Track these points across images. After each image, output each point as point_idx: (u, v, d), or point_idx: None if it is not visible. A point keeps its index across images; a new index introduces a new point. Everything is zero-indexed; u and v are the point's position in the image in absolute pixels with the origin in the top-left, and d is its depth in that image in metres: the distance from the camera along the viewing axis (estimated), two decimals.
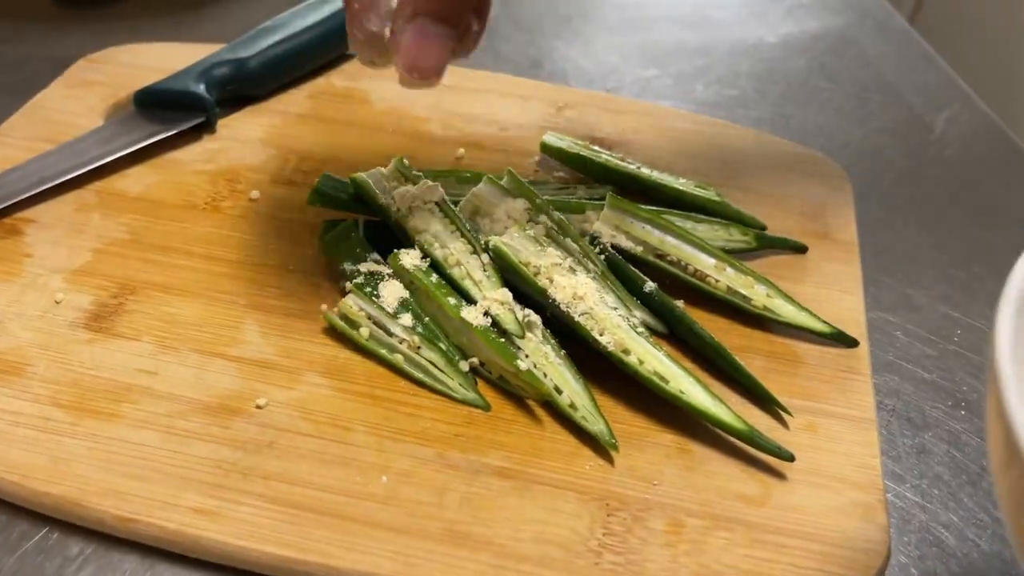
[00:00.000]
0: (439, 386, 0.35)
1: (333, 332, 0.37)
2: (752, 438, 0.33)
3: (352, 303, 0.36)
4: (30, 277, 0.38)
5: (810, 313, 0.38)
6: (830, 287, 0.41)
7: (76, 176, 0.43)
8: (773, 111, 0.57)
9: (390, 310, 0.36)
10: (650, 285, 0.38)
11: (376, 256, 0.39)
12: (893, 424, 0.36)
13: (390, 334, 0.36)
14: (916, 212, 0.48)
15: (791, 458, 0.32)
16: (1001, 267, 0.44)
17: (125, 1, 0.64)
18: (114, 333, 0.36)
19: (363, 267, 0.38)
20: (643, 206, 0.40)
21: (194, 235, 0.41)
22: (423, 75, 0.34)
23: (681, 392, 0.34)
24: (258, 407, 0.34)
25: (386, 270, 0.38)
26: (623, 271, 0.39)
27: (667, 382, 0.34)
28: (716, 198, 0.43)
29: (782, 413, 0.35)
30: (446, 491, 0.31)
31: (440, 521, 0.30)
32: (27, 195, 0.42)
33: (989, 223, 0.48)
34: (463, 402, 0.34)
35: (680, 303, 0.38)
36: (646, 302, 0.38)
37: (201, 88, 0.48)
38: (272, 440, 0.33)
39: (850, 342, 0.38)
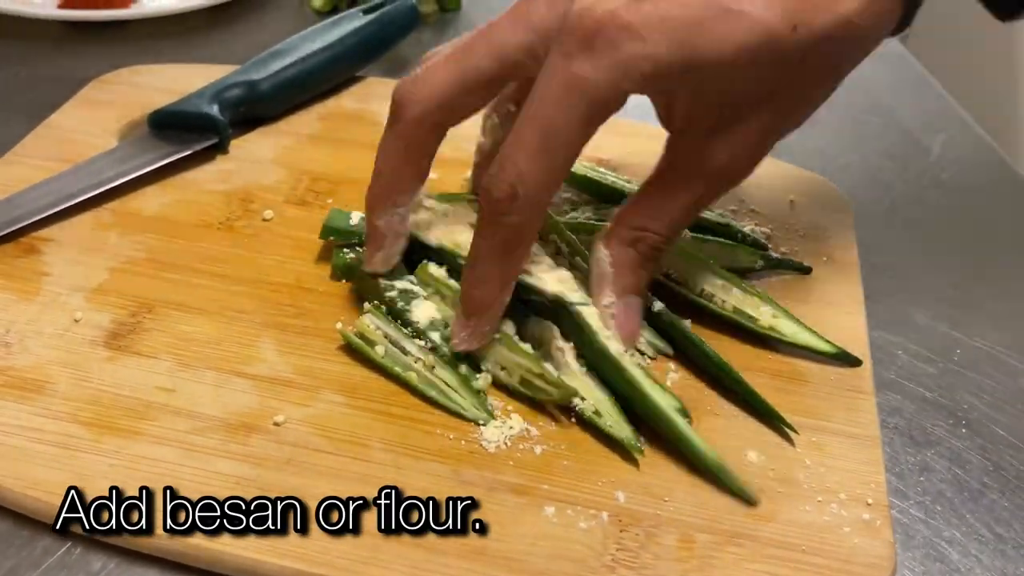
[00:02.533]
0: (451, 404, 0.35)
1: (349, 349, 0.37)
2: (720, 473, 0.33)
3: (369, 322, 0.37)
4: (49, 296, 0.39)
5: (814, 333, 0.39)
6: (833, 307, 0.41)
7: (92, 196, 0.44)
8: None
9: (421, 325, 0.37)
10: (658, 305, 0.39)
11: (411, 277, 0.39)
12: (896, 442, 0.37)
13: (405, 352, 0.36)
14: (915, 234, 0.49)
15: (754, 501, 0.32)
16: (999, 287, 0.45)
17: (135, 23, 0.65)
18: (132, 351, 0.37)
19: (398, 284, 0.39)
20: None
21: (209, 254, 0.42)
22: (632, 342, 0.37)
23: (671, 421, 0.34)
24: (276, 424, 0.34)
25: (421, 292, 0.38)
26: None
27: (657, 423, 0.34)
28: (721, 219, 0.44)
29: (788, 431, 0.35)
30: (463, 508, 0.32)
31: (455, 536, 0.31)
32: (44, 215, 0.43)
33: (986, 244, 0.49)
34: (473, 420, 0.35)
35: (688, 322, 0.39)
36: (653, 322, 0.39)
37: (214, 109, 0.49)
38: (290, 457, 0.33)
39: (853, 362, 0.39)
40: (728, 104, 0.34)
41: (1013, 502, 0.35)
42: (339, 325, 0.38)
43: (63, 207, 0.43)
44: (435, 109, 0.35)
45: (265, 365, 0.37)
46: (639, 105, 0.59)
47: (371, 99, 0.54)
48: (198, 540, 0.30)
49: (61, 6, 0.64)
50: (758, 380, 0.38)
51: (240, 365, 0.37)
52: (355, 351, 0.37)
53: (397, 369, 0.36)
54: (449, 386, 0.36)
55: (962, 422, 0.38)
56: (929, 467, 0.36)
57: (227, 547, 0.30)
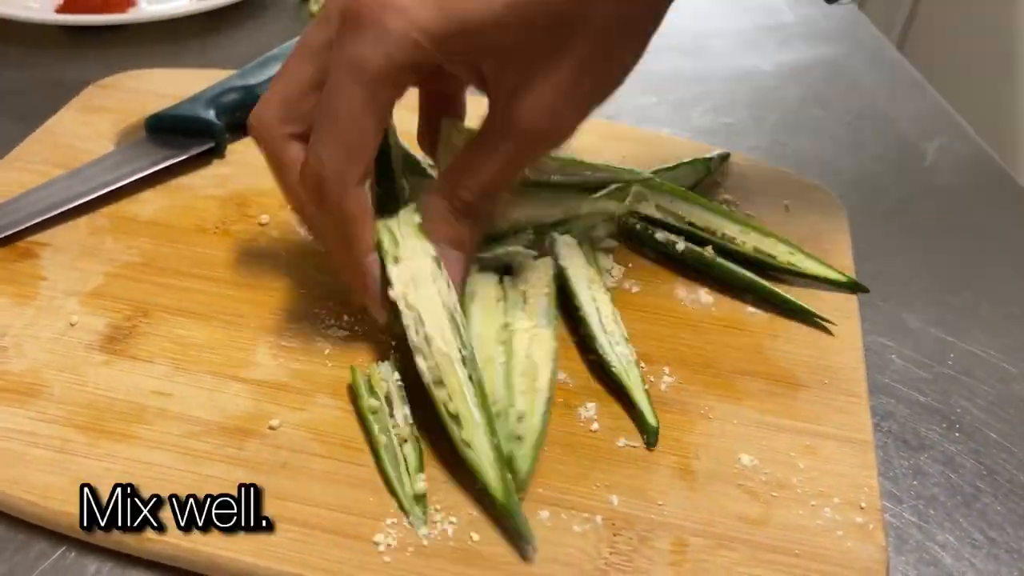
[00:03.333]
0: (396, 487, 0.32)
1: (344, 355, 0.37)
2: (506, 510, 0.31)
3: (384, 371, 0.36)
4: (45, 300, 0.39)
5: (827, 266, 0.43)
6: (828, 312, 0.42)
7: (89, 200, 0.44)
8: (769, 139, 0.58)
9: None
10: (681, 244, 0.43)
11: None
12: (890, 446, 0.37)
13: (391, 415, 0.35)
14: (909, 238, 0.49)
15: (529, 546, 0.31)
16: (992, 292, 0.46)
17: (132, 28, 0.65)
18: (128, 355, 0.37)
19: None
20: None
21: (205, 259, 0.42)
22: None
23: (468, 445, 0.32)
24: (271, 428, 0.34)
25: None
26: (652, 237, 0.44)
27: (461, 428, 0.33)
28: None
29: (824, 323, 0.41)
30: (457, 511, 0.32)
31: (452, 540, 0.31)
32: (41, 219, 0.43)
33: (980, 249, 0.49)
34: (404, 509, 0.32)
35: (709, 249, 0.43)
36: (680, 259, 0.43)
37: (211, 114, 0.49)
38: (285, 461, 0.33)
39: (863, 289, 0.43)
40: (522, 61, 0.34)
41: (1006, 506, 0.35)
42: (356, 364, 0.37)
43: (59, 211, 0.43)
44: (278, 122, 0.36)
45: (260, 369, 0.37)
46: (633, 110, 0.60)
47: None
48: (192, 544, 0.30)
49: (59, 10, 0.65)
50: (753, 384, 0.38)
51: (235, 369, 0.37)
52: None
53: (374, 426, 0.34)
54: (407, 468, 0.33)
55: (955, 426, 0.38)
56: (922, 471, 0.36)
57: (223, 550, 0.30)
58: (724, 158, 0.50)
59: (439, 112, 0.42)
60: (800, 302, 0.41)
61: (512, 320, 0.38)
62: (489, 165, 0.37)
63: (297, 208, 0.38)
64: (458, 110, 0.43)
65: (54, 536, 0.31)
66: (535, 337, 0.37)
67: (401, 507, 0.32)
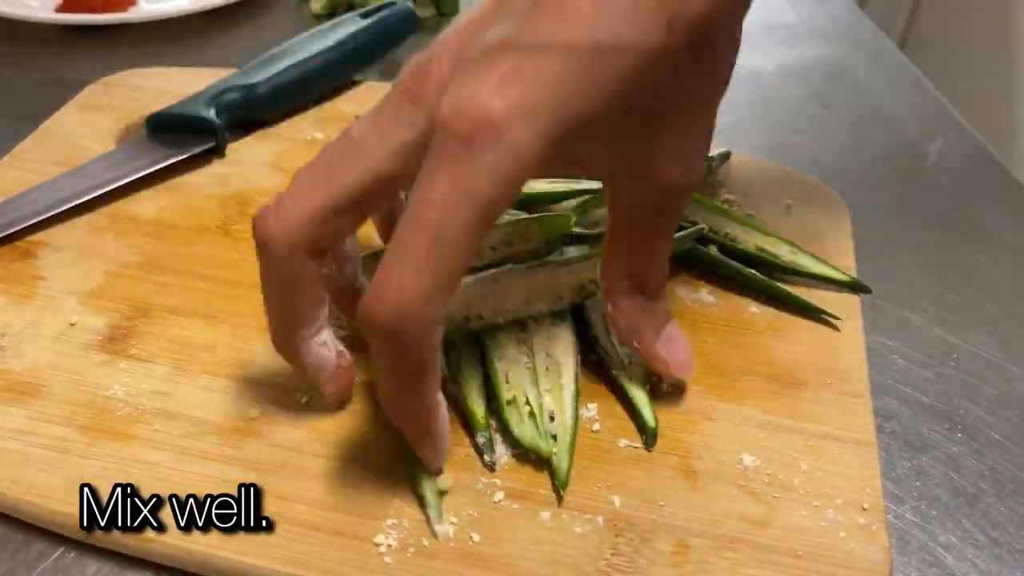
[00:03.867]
0: (420, 479, 0.32)
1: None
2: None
3: None
4: (45, 299, 0.39)
5: (830, 266, 0.43)
6: (829, 311, 0.41)
7: (89, 199, 0.44)
8: (770, 138, 0.58)
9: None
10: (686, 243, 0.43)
11: None
12: (892, 446, 0.37)
13: None
14: (912, 238, 0.49)
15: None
16: (995, 291, 0.45)
17: (132, 26, 0.65)
18: (128, 355, 0.37)
19: None
20: None
21: (205, 258, 0.42)
22: (691, 372, 0.37)
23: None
24: (270, 428, 0.34)
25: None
26: None
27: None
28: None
29: (831, 319, 0.41)
30: (458, 513, 0.32)
31: (453, 541, 0.31)
32: (41, 218, 0.43)
33: (983, 248, 0.49)
34: (424, 506, 0.32)
35: (712, 248, 0.43)
36: (684, 258, 0.43)
37: (211, 113, 0.49)
38: (284, 461, 0.33)
39: (865, 289, 0.43)
40: (643, 123, 0.31)
41: (1009, 507, 0.35)
42: None
43: (59, 211, 0.43)
44: (304, 242, 0.30)
45: (260, 369, 0.37)
46: None
47: (368, 103, 0.54)
48: (191, 544, 0.30)
49: (59, 9, 0.65)
50: (755, 384, 0.38)
51: (235, 369, 0.37)
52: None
53: None
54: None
55: (958, 427, 0.38)
56: (925, 472, 0.36)
57: (222, 551, 0.30)
58: (724, 157, 0.50)
59: None
60: (807, 299, 0.41)
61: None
62: (660, 236, 0.34)
63: (284, 339, 0.33)
64: None
65: (53, 536, 0.31)
66: (553, 335, 0.37)
67: (421, 504, 0.32)
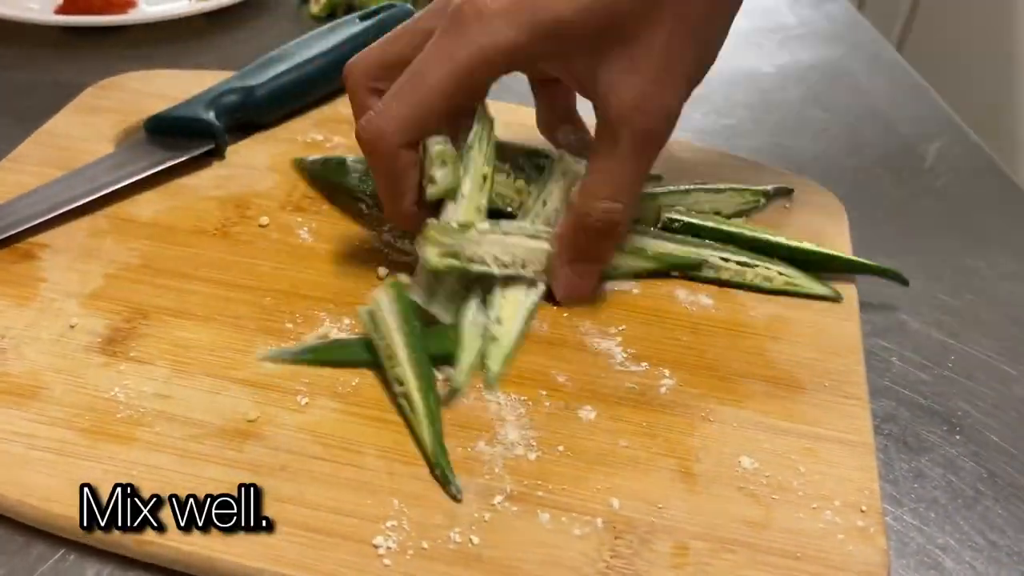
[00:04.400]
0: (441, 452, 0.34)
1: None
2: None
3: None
4: (45, 301, 0.39)
5: (814, 279, 0.43)
6: (827, 314, 0.42)
7: (88, 202, 0.44)
8: (769, 140, 0.58)
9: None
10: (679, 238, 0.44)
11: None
12: (890, 448, 0.37)
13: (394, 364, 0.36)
14: (910, 240, 0.49)
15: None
16: (993, 294, 0.46)
17: (132, 29, 0.65)
18: (128, 357, 0.37)
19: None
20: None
21: (205, 260, 0.42)
22: (579, 302, 0.41)
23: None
24: (270, 431, 0.34)
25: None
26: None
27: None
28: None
29: (833, 292, 0.42)
30: (456, 514, 0.32)
31: (451, 543, 0.31)
32: (40, 220, 0.43)
33: (980, 251, 0.49)
34: (447, 477, 0.33)
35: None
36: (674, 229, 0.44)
37: (211, 115, 0.49)
38: (285, 463, 0.33)
39: (837, 298, 0.43)
40: (610, 54, 0.37)
41: (1007, 509, 0.35)
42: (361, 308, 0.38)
43: (59, 213, 0.43)
44: (365, 74, 0.40)
45: (260, 371, 0.37)
46: None
47: None
48: (192, 547, 0.30)
49: (58, 11, 0.65)
50: (753, 387, 0.38)
51: (235, 371, 0.37)
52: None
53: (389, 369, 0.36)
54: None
55: (956, 429, 0.38)
56: (923, 474, 0.36)
57: (223, 553, 0.30)
58: (785, 192, 0.48)
59: (554, 109, 0.47)
60: (813, 249, 0.43)
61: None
62: (612, 170, 0.38)
63: (398, 218, 0.41)
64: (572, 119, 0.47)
65: (53, 539, 0.31)
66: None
67: (444, 475, 0.33)
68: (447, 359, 0.37)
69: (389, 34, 0.41)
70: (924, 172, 0.56)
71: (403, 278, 0.41)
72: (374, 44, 0.41)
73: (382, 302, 0.37)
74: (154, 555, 0.31)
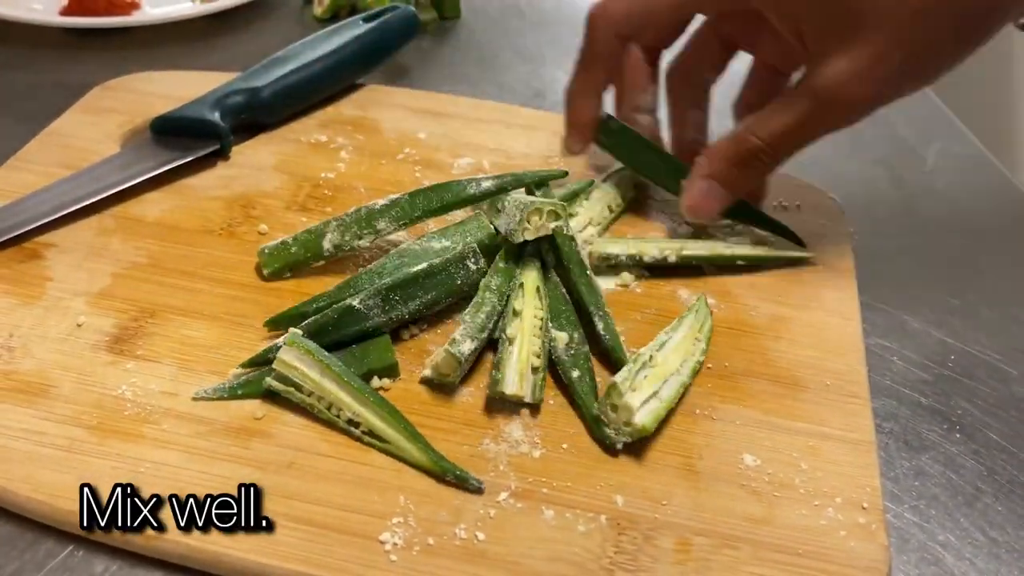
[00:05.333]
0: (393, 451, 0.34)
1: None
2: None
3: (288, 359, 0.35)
4: (52, 300, 0.39)
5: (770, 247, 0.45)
6: (829, 314, 0.42)
7: (95, 201, 0.45)
8: None
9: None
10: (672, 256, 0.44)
11: None
12: (891, 446, 0.37)
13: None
14: (910, 242, 0.50)
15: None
16: (992, 294, 0.46)
17: (137, 30, 0.65)
18: (135, 355, 0.37)
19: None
20: None
21: (210, 259, 0.42)
22: (700, 219, 0.44)
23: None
24: (277, 428, 0.35)
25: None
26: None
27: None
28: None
29: (804, 255, 0.45)
30: (462, 511, 0.32)
31: (457, 540, 0.31)
32: (47, 220, 0.43)
33: (980, 252, 0.49)
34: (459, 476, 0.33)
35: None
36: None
37: (216, 116, 0.49)
38: (291, 460, 0.33)
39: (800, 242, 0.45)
40: (840, 26, 0.37)
41: (1007, 506, 0.35)
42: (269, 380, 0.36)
43: (66, 212, 0.44)
44: (624, 32, 0.44)
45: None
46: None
47: (371, 106, 0.55)
48: (200, 543, 0.31)
49: (64, 13, 0.65)
50: (756, 385, 0.38)
51: (242, 369, 0.37)
52: None
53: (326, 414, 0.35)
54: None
55: (956, 427, 0.39)
56: (924, 472, 0.37)
57: (231, 549, 0.30)
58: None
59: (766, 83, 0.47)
60: (777, 221, 0.46)
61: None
62: (782, 118, 0.40)
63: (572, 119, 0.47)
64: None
65: (62, 535, 0.32)
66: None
67: (459, 477, 0.33)
68: (379, 371, 0.36)
69: None
70: (924, 174, 0.56)
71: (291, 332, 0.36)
72: None
73: (291, 360, 0.35)
74: (162, 551, 0.31)
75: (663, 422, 0.35)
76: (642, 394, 0.35)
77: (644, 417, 0.34)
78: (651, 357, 0.36)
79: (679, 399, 0.36)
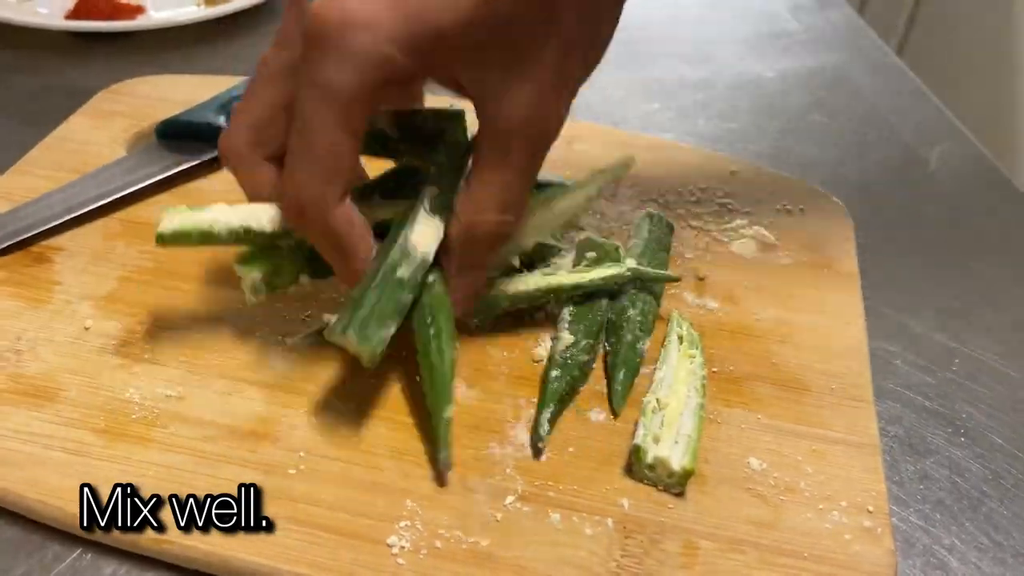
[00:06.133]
0: None
1: (354, 359, 0.38)
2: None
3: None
4: (59, 304, 0.40)
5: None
6: (833, 318, 0.42)
7: (101, 205, 0.45)
8: (773, 145, 0.59)
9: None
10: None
11: None
12: (896, 450, 0.38)
13: None
14: (913, 245, 0.50)
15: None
16: (995, 297, 0.46)
17: (141, 34, 0.66)
18: (142, 359, 0.37)
19: None
20: None
21: (216, 264, 0.43)
22: (469, 310, 0.39)
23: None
24: (284, 431, 0.35)
25: None
26: None
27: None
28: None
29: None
30: (469, 514, 0.32)
31: (464, 543, 0.31)
32: (54, 223, 0.43)
33: (983, 254, 0.49)
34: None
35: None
36: None
37: (221, 120, 0.49)
38: (298, 464, 0.34)
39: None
40: (500, 60, 0.33)
41: (1012, 510, 0.35)
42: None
43: (72, 216, 0.44)
44: (248, 147, 0.37)
45: (272, 373, 0.37)
46: (637, 116, 0.60)
47: None
48: (208, 546, 0.31)
49: (68, 17, 0.65)
50: (761, 389, 0.38)
51: (247, 373, 0.37)
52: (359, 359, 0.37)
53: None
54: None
55: (961, 431, 0.39)
56: (929, 475, 0.37)
57: (238, 552, 0.31)
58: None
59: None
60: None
61: None
62: (503, 181, 0.35)
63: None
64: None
65: (69, 538, 0.32)
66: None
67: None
68: None
69: (246, 92, 0.37)
70: (927, 177, 0.56)
71: None
72: (236, 111, 0.37)
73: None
74: (169, 554, 0.31)
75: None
76: (667, 441, 0.34)
77: (682, 460, 0.33)
78: (657, 401, 0.36)
79: (702, 422, 0.36)
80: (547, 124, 0.35)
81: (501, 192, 0.36)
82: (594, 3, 0.35)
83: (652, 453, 0.34)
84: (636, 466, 0.34)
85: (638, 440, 0.34)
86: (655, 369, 0.38)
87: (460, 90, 0.36)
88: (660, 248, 0.44)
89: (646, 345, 0.39)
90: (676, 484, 0.34)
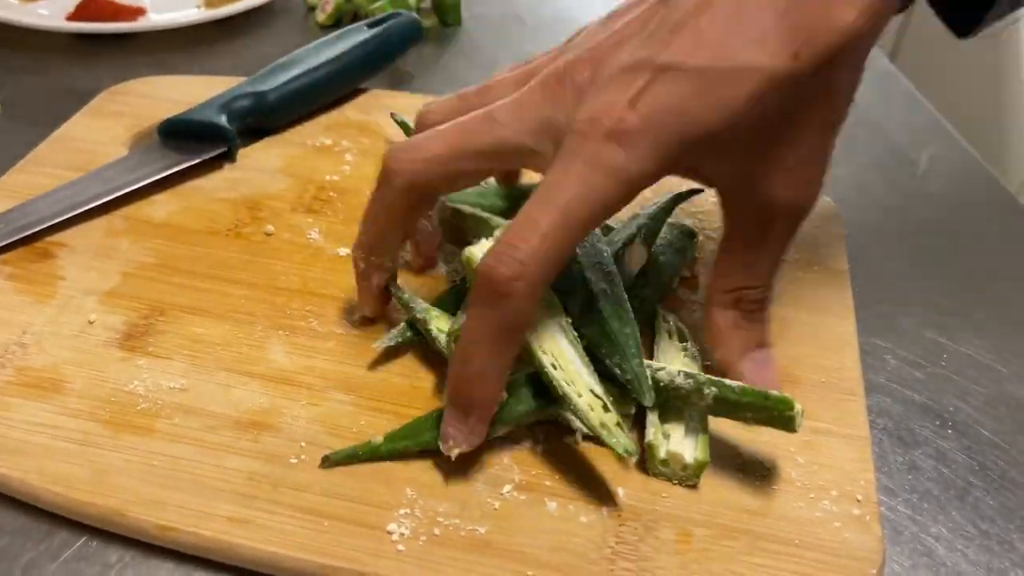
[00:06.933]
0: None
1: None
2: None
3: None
4: (64, 298, 0.40)
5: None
6: (824, 313, 0.43)
7: (104, 202, 0.45)
8: None
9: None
10: None
11: None
12: (885, 442, 0.38)
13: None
14: (903, 244, 0.51)
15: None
16: (983, 294, 0.47)
17: (143, 35, 0.66)
18: (146, 352, 0.38)
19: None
20: None
21: (218, 260, 0.43)
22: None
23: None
24: (285, 422, 0.35)
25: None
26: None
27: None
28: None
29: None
30: (468, 503, 0.33)
31: (463, 530, 0.32)
32: (58, 220, 0.44)
33: (972, 254, 0.50)
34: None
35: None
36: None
37: (223, 120, 0.50)
38: (299, 453, 0.34)
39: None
40: (761, 142, 0.33)
41: (997, 500, 0.36)
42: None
43: (76, 213, 0.45)
44: (423, 183, 0.36)
45: (273, 366, 0.38)
46: None
47: (374, 110, 0.56)
48: (212, 533, 0.31)
49: (71, 18, 0.66)
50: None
51: (249, 366, 0.38)
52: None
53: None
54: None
55: (948, 424, 0.40)
56: (916, 466, 0.37)
57: (242, 539, 0.31)
58: None
59: None
60: None
61: None
62: (767, 255, 0.36)
63: (363, 253, 0.38)
64: None
65: (77, 526, 0.32)
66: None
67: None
68: None
69: (451, 126, 0.35)
70: (917, 178, 0.57)
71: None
72: (428, 134, 0.36)
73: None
74: (175, 541, 0.32)
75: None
76: (678, 434, 0.35)
77: (694, 452, 0.34)
78: None
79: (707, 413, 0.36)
80: (810, 201, 0.35)
81: (764, 264, 0.36)
82: (859, 72, 0.34)
83: (665, 448, 0.34)
84: (650, 463, 0.34)
85: (649, 437, 0.35)
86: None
87: (695, 177, 0.36)
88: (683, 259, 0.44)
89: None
90: (691, 476, 0.34)
